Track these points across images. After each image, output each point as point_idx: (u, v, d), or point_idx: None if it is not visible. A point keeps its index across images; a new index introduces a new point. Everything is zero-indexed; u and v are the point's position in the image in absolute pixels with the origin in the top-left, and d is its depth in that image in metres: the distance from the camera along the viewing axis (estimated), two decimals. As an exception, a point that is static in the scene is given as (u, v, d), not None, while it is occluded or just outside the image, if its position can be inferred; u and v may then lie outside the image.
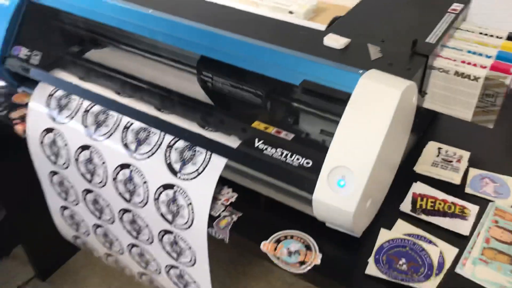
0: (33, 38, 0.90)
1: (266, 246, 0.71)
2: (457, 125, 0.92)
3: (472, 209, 0.76)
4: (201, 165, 0.74)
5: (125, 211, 0.85)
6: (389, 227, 0.73)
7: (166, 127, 0.78)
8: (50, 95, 0.89)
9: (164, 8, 0.81)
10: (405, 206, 0.77)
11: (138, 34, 0.84)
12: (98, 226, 0.95)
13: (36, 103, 0.90)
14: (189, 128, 0.77)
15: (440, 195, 0.78)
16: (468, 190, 0.79)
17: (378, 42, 0.73)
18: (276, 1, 1.23)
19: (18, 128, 0.94)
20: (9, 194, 1.27)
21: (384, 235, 0.72)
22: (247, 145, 0.69)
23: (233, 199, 0.79)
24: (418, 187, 0.80)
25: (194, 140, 0.75)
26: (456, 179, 0.81)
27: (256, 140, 0.67)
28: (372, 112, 0.59)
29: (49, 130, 0.88)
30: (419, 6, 0.86)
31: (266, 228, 0.74)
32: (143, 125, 0.80)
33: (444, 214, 0.75)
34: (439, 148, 0.87)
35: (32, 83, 0.94)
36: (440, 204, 0.77)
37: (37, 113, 0.89)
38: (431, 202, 0.77)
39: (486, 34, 0.83)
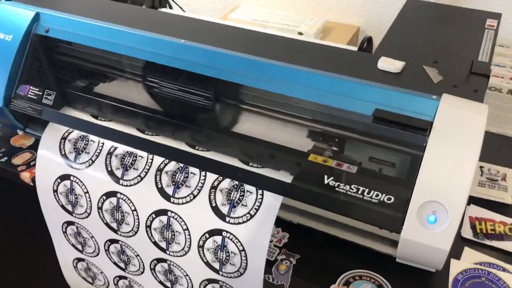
0: (40, 76, 0.80)
1: (335, 289, 0.65)
2: (488, 141, 0.90)
3: (533, 229, 0.73)
4: (253, 207, 0.68)
5: (160, 260, 0.77)
6: (457, 256, 0.70)
7: (207, 166, 0.71)
8: (64, 138, 0.79)
9: (204, 39, 0.75)
10: (466, 231, 0.73)
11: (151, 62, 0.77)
12: (121, 277, 0.86)
13: (47, 147, 0.80)
14: (232, 164, 0.70)
15: (497, 217, 0.75)
16: (522, 209, 0.77)
17: (431, 63, 0.70)
18: (284, 22, 1.19)
19: (25, 175, 0.83)
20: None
21: (455, 266, 0.68)
22: (316, 183, 0.62)
23: (285, 239, 0.73)
24: (473, 210, 0.77)
25: (243, 178, 0.68)
26: (507, 199, 0.79)
27: (326, 176, 0.61)
28: (460, 141, 0.55)
29: (64, 177, 0.79)
30: (451, 23, 0.84)
31: (329, 269, 0.68)
32: (178, 165, 0.73)
33: (507, 237, 0.72)
34: (481, 167, 0.85)
35: (37, 124, 0.84)
36: (499, 227, 0.74)
37: (49, 159, 0.80)
38: (490, 225, 0.74)
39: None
